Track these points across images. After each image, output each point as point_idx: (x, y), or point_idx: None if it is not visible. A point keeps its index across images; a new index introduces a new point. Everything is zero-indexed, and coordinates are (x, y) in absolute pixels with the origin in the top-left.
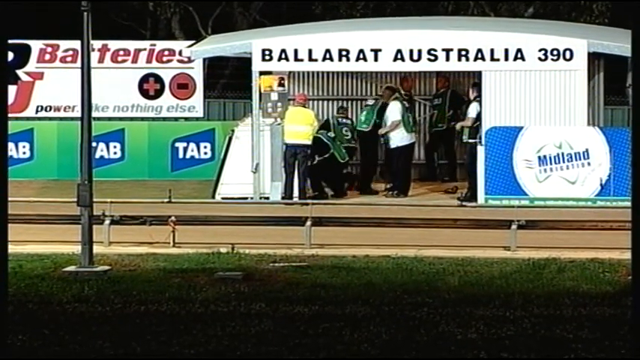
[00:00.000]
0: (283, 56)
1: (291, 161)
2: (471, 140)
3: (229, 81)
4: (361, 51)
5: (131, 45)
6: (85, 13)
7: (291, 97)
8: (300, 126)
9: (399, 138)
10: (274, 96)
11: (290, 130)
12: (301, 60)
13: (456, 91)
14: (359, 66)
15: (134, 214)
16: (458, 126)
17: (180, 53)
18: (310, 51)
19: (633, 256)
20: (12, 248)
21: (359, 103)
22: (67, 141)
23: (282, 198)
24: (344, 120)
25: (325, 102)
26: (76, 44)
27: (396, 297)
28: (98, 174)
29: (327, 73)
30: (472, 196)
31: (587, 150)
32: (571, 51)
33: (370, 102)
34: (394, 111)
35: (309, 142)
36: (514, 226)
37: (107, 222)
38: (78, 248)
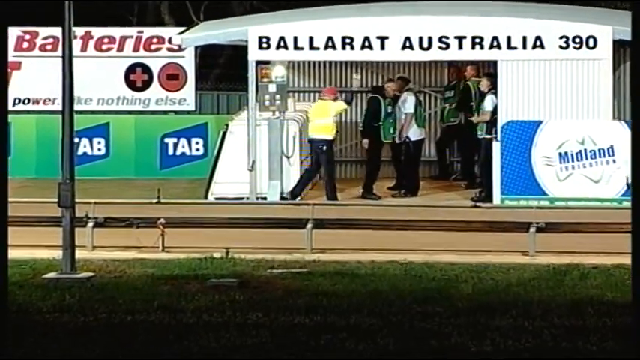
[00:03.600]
0: (282, 44)
1: (312, 158)
2: (487, 136)
3: (223, 71)
4: (367, 39)
5: (117, 32)
6: None
7: (291, 89)
8: (317, 119)
9: (410, 133)
10: (272, 87)
11: (310, 125)
12: (301, 48)
13: (470, 82)
14: (364, 55)
15: (120, 216)
16: (474, 119)
17: (169, 41)
18: (311, 39)
19: (633, 257)
20: None
21: (364, 95)
22: (47, 136)
23: (281, 198)
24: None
25: None
26: (56, 31)
27: (405, 306)
28: (81, 172)
29: (330, 62)
30: (487, 196)
31: (611, 146)
32: (595, 38)
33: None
34: (407, 103)
35: (324, 136)
36: (532, 229)
37: (90, 224)
38: (59, 253)
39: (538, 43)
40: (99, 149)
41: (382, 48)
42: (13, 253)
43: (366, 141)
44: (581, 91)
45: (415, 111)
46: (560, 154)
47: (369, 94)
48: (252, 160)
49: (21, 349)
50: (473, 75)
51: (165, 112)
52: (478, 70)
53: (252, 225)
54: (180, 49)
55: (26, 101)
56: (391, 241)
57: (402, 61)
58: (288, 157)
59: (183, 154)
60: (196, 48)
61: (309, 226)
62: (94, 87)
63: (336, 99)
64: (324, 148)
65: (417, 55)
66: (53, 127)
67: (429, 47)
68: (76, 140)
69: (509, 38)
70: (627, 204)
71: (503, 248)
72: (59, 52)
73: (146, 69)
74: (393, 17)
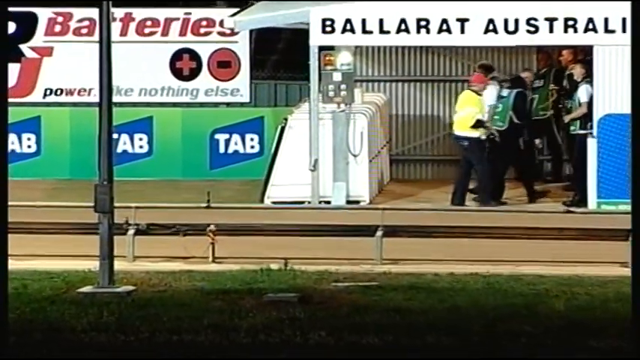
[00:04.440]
0: (348, 27)
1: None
2: (581, 131)
3: (282, 58)
4: (444, 21)
5: (161, 13)
6: None
7: (359, 78)
8: (458, 112)
9: (494, 128)
10: (337, 76)
11: (454, 118)
12: (370, 32)
13: (562, 70)
14: (442, 39)
15: (164, 223)
16: (566, 118)
17: (221, 24)
18: (381, 21)
19: (633, 257)
20: (15, 264)
21: (441, 85)
22: (82, 132)
23: (347, 202)
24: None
25: (400, 84)
26: (93, 12)
27: (488, 324)
28: (120, 172)
29: (403, 48)
30: (581, 200)
31: None
32: None
33: (504, 92)
34: (489, 95)
35: (464, 132)
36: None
37: (131, 232)
38: (95, 264)
39: None
40: (140, 146)
41: (462, 31)
42: (43, 265)
43: (538, 141)
44: None
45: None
46: None
47: (513, 89)
48: (315, 158)
49: None
50: (570, 61)
51: (216, 105)
52: (575, 55)
53: (315, 232)
54: (232, 33)
55: (58, 92)
56: (472, 251)
57: (484, 46)
58: (355, 156)
59: (236, 152)
60: (251, 32)
61: (379, 233)
62: (136, 76)
63: (484, 88)
64: (467, 144)
65: (501, 39)
66: (89, 121)
67: (516, 30)
68: (115, 136)
69: (606, 20)
70: None
71: (600, 259)
72: (96, 37)
73: (194, 55)
74: None
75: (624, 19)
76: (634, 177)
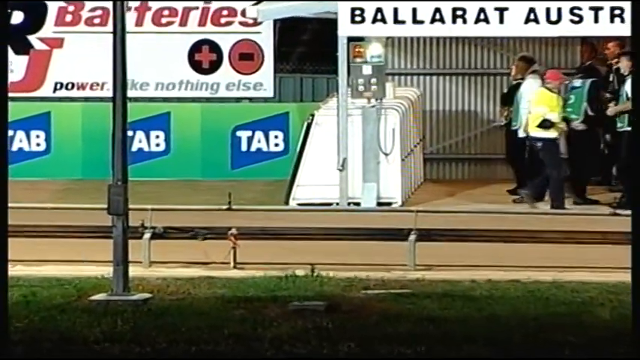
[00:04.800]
0: (379, 17)
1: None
2: (629, 128)
3: (308, 50)
4: (482, 10)
5: (179, 2)
6: None
7: (390, 71)
8: (531, 112)
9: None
10: (367, 69)
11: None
12: (403, 22)
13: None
14: (479, 30)
15: (183, 226)
16: (611, 111)
17: (243, 13)
18: (415, 10)
19: (633, 258)
20: (23, 270)
21: (478, 79)
22: (95, 129)
23: (379, 204)
24: None
25: (434, 77)
26: (106, 2)
27: (528, 335)
28: (136, 172)
29: (437, 39)
30: (629, 201)
31: None
32: None
33: (577, 83)
34: (529, 90)
35: (537, 133)
36: None
37: (147, 235)
38: (109, 270)
39: None
40: (157, 144)
41: (501, 21)
42: (53, 271)
43: (609, 135)
44: None
45: None
46: None
47: (586, 78)
48: (343, 157)
49: None
50: (616, 54)
51: (238, 100)
52: (622, 47)
53: (343, 236)
54: (255, 22)
55: (69, 86)
56: (512, 256)
57: (524, 37)
58: (386, 154)
59: (259, 150)
60: (275, 22)
61: (412, 237)
62: (152, 69)
63: (561, 84)
64: (540, 146)
65: (543, 29)
66: (102, 117)
67: (558, 20)
68: (130, 133)
69: None
70: None
71: None
72: (109, 27)
73: (214, 47)
74: None
75: None
76: (634, 177)
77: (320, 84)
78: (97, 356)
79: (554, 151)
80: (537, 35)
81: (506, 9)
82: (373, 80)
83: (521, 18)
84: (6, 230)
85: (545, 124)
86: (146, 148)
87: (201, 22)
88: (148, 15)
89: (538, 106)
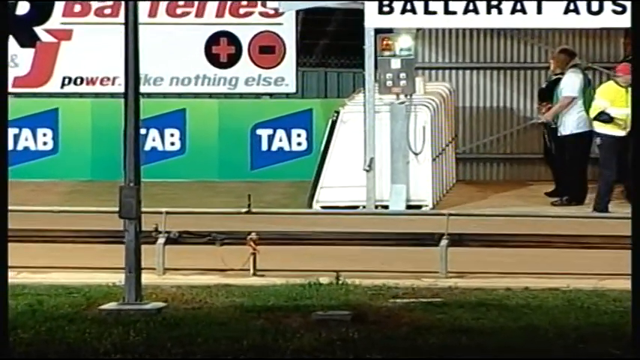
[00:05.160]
0: (409, 7)
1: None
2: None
3: (332, 43)
4: (518, 0)
5: None
6: None
7: (420, 65)
8: (594, 102)
9: (574, 123)
10: (396, 63)
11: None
12: (434, 13)
13: None
14: (515, 21)
15: (199, 230)
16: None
17: (263, 3)
18: (446, 0)
19: (633, 258)
20: (29, 277)
21: (514, 73)
22: (106, 126)
23: (408, 207)
24: None
25: (467, 72)
26: None
27: (568, 347)
28: (149, 173)
29: (471, 31)
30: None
31: None
32: None
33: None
34: (569, 84)
35: (599, 128)
36: None
37: (161, 240)
38: (120, 277)
39: None
40: (172, 143)
41: (539, 12)
42: (61, 278)
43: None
44: None
45: (583, 94)
46: None
47: None
48: (370, 157)
49: None
50: None
51: (258, 96)
52: None
53: (370, 241)
54: (276, 13)
55: (78, 81)
56: (550, 262)
57: (564, 29)
58: (416, 154)
59: (280, 149)
60: (298, 12)
61: (444, 242)
62: (166, 63)
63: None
64: (599, 142)
65: (584, 21)
66: (113, 114)
67: (600, 11)
68: (143, 131)
69: None
70: None
71: None
72: (121, 18)
73: (233, 39)
74: None
75: None
76: (634, 178)
77: (345, 79)
78: None
79: (611, 150)
80: (578, 27)
81: None
82: (402, 75)
83: (561, 8)
84: (6, 232)
85: (602, 118)
86: (160, 147)
87: (219, 13)
88: (162, 5)
89: (599, 99)
